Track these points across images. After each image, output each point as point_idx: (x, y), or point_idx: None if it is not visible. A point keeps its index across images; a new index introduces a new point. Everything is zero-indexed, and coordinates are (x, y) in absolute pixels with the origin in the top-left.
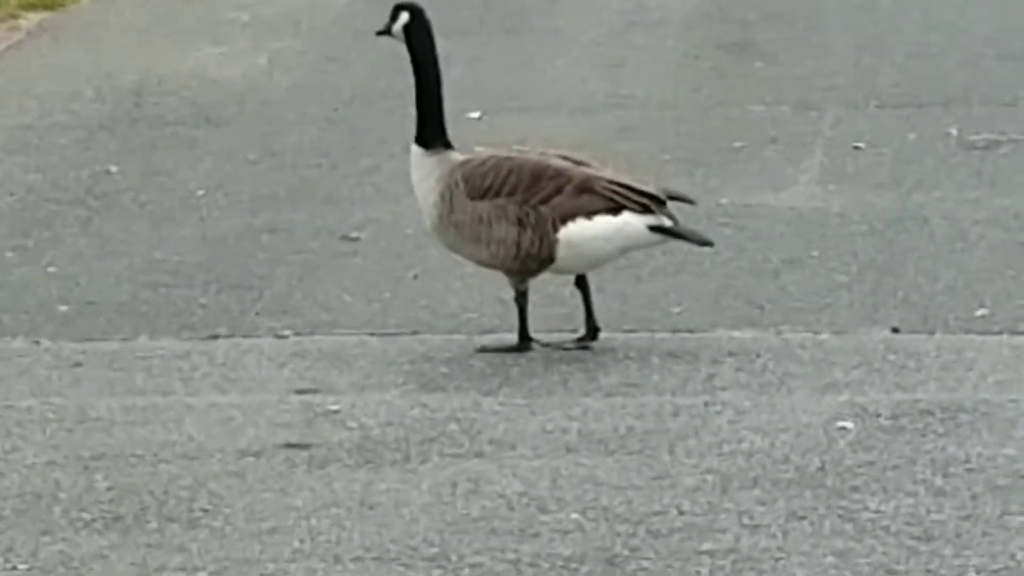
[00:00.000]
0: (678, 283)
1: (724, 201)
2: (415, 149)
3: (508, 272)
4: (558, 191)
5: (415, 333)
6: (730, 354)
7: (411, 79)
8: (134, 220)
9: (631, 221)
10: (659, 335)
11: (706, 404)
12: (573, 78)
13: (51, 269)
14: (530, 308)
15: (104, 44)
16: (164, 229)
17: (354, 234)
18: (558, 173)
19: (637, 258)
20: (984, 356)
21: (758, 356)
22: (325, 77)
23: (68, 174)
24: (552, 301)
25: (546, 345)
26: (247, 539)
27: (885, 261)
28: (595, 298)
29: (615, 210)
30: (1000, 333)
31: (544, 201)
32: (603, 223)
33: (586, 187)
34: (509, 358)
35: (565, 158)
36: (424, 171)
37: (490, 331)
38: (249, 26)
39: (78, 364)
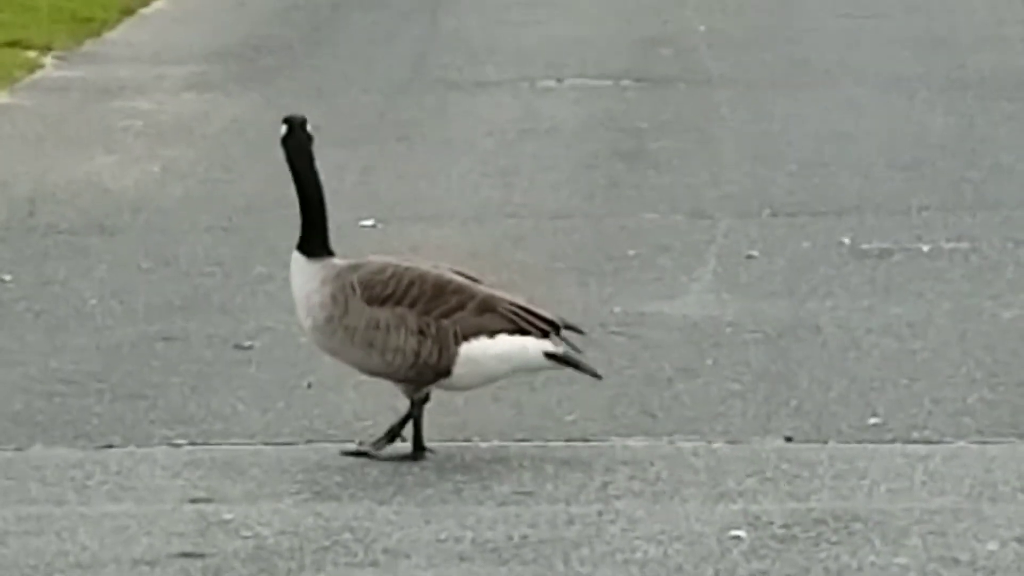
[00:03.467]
0: (572, 392)
1: (617, 310)
2: (297, 256)
3: (400, 381)
4: (461, 307)
5: (309, 442)
6: (624, 463)
7: None
8: (28, 329)
9: (530, 346)
10: (552, 443)
11: (600, 513)
12: (466, 187)
13: None
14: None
15: None
16: (58, 338)
17: (247, 343)
18: (460, 289)
19: None
20: (877, 465)
21: (652, 465)
22: (218, 186)
23: None
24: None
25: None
26: None
27: (778, 370)
28: (490, 407)
29: (515, 332)
30: (893, 441)
31: (446, 315)
32: (504, 344)
33: (488, 307)
34: (403, 466)
35: (459, 273)
36: (306, 276)
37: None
38: (142, 134)
39: None
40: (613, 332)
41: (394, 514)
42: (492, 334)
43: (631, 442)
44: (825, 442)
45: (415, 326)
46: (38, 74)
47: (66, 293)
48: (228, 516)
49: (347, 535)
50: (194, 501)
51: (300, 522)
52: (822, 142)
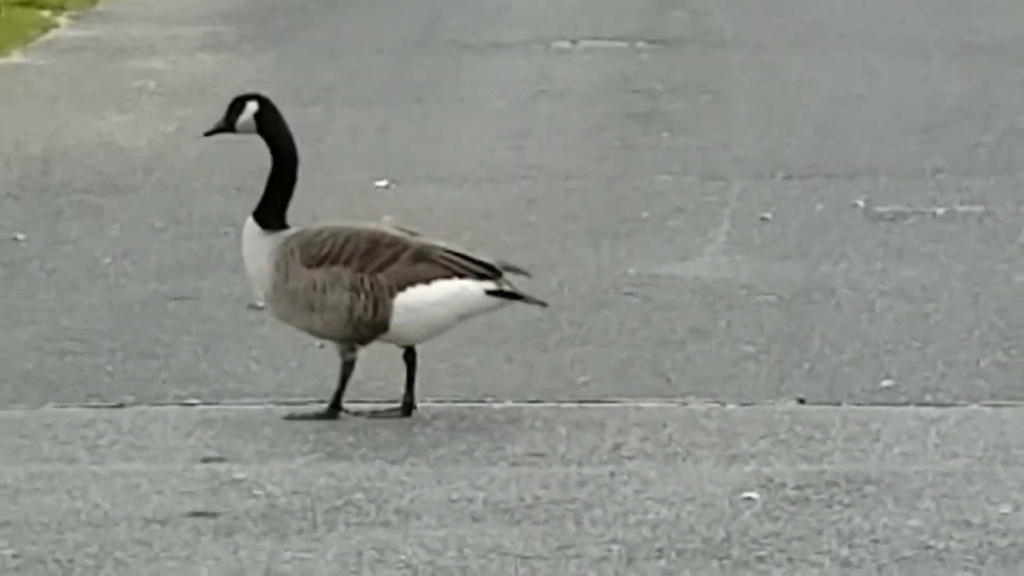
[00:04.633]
0: (584, 353)
1: (631, 271)
2: (251, 225)
3: (338, 340)
4: (394, 259)
5: (321, 402)
6: (636, 424)
7: (316, 149)
8: (41, 288)
9: (468, 286)
10: (565, 405)
11: (612, 474)
12: (480, 148)
13: None
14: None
15: (11, 112)
16: (71, 297)
17: (260, 303)
18: (394, 241)
19: (544, 328)
20: (890, 427)
21: (664, 426)
22: (232, 146)
23: None
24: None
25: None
26: None
27: (791, 332)
28: (503, 367)
29: (451, 278)
30: (906, 404)
31: (380, 268)
32: (440, 288)
33: (422, 256)
34: (415, 427)
35: (401, 229)
36: (256, 247)
37: (395, 400)
38: (156, 94)
39: None
40: (626, 294)
41: (406, 474)
42: (428, 281)
43: (644, 404)
44: (838, 404)
45: (349, 282)
46: (52, 34)
47: (79, 252)
48: (240, 475)
49: (359, 495)
50: (206, 460)
51: (312, 482)
52: (836, 105)
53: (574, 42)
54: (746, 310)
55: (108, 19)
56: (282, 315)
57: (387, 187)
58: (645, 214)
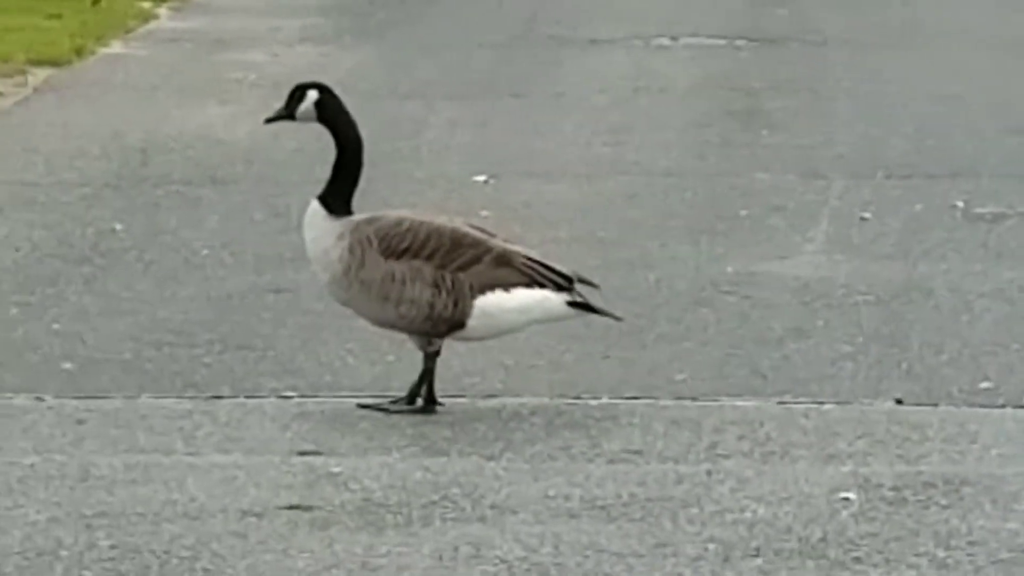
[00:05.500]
0: (682, 350)
1: (729, 269)
2: (317, 208)
3: (415, 333)
4: (476, 260)
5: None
6: (733, 423)
7: (415, 142)
8: (138, 278)
9: (550, 297)
10: (662, 402)
11: (709, 472)
12: (579, 143)
13: (55, 326)
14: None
15: (110, 102)
16: (168, 288)
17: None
18: (477, 243)
19: (642, 325)
20: (988, 429)
21: (761, 425)
22: (330, 138)
23: (73, 231)
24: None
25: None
26: None
27: (890, 332)
28: (600, 363)
29: (531, 285)
30: (1004, 406)
31: (462, 268)
32: (520, 296)
33: (504, 260)
34: (512, 422)
35: (476, 228)
36: (321, 231)
37: (492, 396)
38: (255, 86)
39: (81, 422)
40: (724, 292)
41: (502, 470)
42: (508, 288)
43: (741, 402)
44: (936, 405)
45: (431, 279)
46: (152, 24)
47: (177, 243)
48: (336, 469)
49: (455, 490)
50: (302, 453)
51: (408, 476)
52: (936, 104)
53: (674, 39)
54: (844, 309)
55: (208, 10)
56: (348, 301)
57: (486, 182)
58: (744, 212)
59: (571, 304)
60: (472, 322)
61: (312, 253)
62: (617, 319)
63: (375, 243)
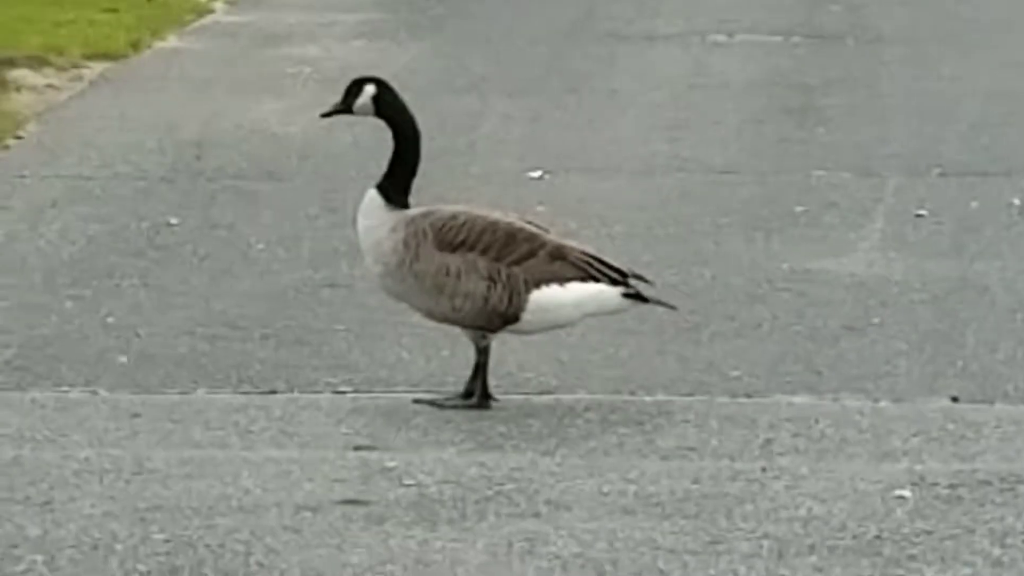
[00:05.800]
0: (737, 347)
1: (784, 266)
2: (374, 195)
3: (468, 327)
4: (531, 254)
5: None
6: (788, 420)
7: (470, 137)
8: (193, 273)
9: (605, 290)
10: (717, 399)
11: (763, 469)
12: (634, 140)
13: (110, 320)
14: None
15: (166, 96)
16: (223, 282)
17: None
18: (532, 237)
19: (697, 322)
20: None
21: (816, 422)
22: (385, 134)
23: (128, 225)
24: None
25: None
26: None
27: (945, 330)
28: (655, 359)
29: (585, 280)
30: None
31: (517, 262)
32: (575, 290)
33: (559, 255)
34: (566, 418)
35: (530, 223)
36: (378, 219)
37: (547, 392)
38: (311, 81)
39: (136, 415)
40: (780, 288)
41: (557, 466)
42: (563, 282)
43: (796, 399)
44: (991, 403)
45: (485, 272)
46: (208, 19)
47: (232, 237)
48: (391, 464)
49: (510, 486)
50: (357, 448)
51: (463, 471)
52: (991, 101)
53: (730, 35)
54: (899, 307)
55: (263, 5)
56: (399, 293)
57: (540, 177)
58: (799, 209)
59: (626, 295)
60: (527, 316)
61: (364, 242)
62: (672, 308)
63: (430, 236)
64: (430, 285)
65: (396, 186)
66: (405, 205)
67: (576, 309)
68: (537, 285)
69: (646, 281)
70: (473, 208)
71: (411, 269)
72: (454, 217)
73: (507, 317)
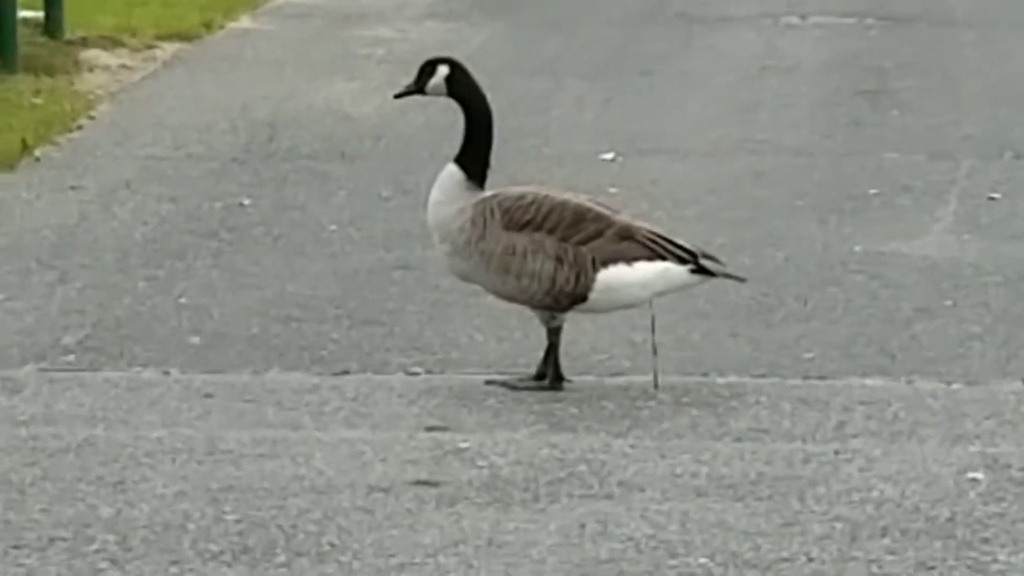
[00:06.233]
0: (810, 329)
1: (857, 249)
2: (454, 169)
3: (535, 307)
4: (599, 234)
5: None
6: (861, 402)
7: (543, 119)
8: (266, 253)
9: (671, 268)
10: (790, 381)
11: (836, 452)
12: (706, 122)
13: (183, 300)
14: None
15: (238, 77)
16: (296, 263)
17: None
18: (599, 217)
19: (770, 304)
20: None
21: (889, 405)
22: (459, 115)
23: (201, 206)
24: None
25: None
26: (375, 575)
27: (1018, 312)
28: (727, 341)
29: (653, 259)
30: None
31: (584, 242)
32: (643, 270)
33: (627, 234)
34: (639, 400)
35: (598, 203)
36: (451, 195)
37: (619, 373)
38: (384, 62)
39: (208, 396)
40: (853, 271)
41: (629, 447)
42: (630, 261)
43: (869, 381)
44: None
45: (553, 252)
46: (280, 0)
47: (305, 218)
48: (463, 445)
49: (582, 467)
50: (430, 429)
51: (535, 453)
52: None
53: (803, 17)
54: (973, 289)
55: None
56: (465, 273)
57: (613, 159)
58: (872, 191)
59: (693, 271)
60: (594, 295)
61: (432, 217)
62: (740, 280)
63: (498, 215)
64: (497, 265)
65: (477, 163)
66: (482, 183)
67: (644, 288)
68: (604, 264)
69: (717, 262)
70: (542, 189)
71: (477, 247)
72: (522, 197)
73: (574, 297)
